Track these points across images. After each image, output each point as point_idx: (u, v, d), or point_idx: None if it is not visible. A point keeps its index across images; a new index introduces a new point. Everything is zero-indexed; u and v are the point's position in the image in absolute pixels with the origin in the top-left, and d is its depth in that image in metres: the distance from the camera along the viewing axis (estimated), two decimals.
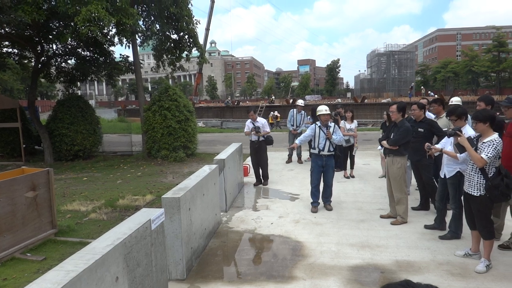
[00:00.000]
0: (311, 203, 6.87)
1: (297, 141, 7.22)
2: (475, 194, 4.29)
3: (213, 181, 5.83)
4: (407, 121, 6.02)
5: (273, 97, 62.29)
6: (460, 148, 4.41)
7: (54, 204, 5.95)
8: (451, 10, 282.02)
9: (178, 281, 4.26)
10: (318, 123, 6.81)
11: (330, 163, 6.76)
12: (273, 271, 4.47)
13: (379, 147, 6.74)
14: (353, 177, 9.30)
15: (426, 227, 5.66)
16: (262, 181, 8.90)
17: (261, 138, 8.69)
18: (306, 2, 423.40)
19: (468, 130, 4.66)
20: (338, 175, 9.20)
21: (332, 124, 6.80)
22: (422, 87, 62.82)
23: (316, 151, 6.75)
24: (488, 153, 4.08)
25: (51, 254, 5.34)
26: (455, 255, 4.68)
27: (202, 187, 5.19)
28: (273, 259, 4.79)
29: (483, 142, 4.18)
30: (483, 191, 4.21)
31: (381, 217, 6.26)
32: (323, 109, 6.79)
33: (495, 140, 4.11)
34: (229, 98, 68.72)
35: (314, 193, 6.82)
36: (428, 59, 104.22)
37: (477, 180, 4.26)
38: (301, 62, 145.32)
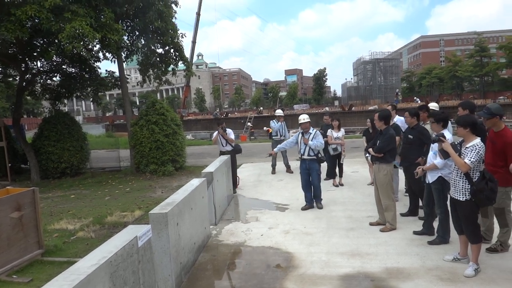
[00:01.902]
0: (305, 202, 7.57)
1: (275, 149, 8.28)
2: (460, 199, 4.33)
3: (201, 195, 5.81)
4: (392, 129, 6.10)
5: (261, 108, 62.54)
6: (444, 153, 4.47)
7: (40, 223, 5.85)
8: (433, 17, 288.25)
9: None
10: (300, 130, 7.49)
11: (313, 166, 7.40)
12: (263, 283, 4.44)
13: (367, 154, 6.81)
14: (342, 185, 9.34)
15: (415, 233, 5.69)
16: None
17: (231, 148, 9.30)
18: (291, 13, 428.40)
19: (447, 135, 4.74)
20: (327, 184, 9.25)
21: (313, 131, 7.40)
22: (397, 90, 63.55)
23: (299, 156, 7.53)
24: (471, 157, 4.13)
25: (38, 275, 5.23)
26: (444, 260, 4.71)
27: (190, 201, 5.16)
28: (263, 272, 4.77)
29: (466, 147, 4.25)
30: (468, 195, 4.25)
31: (371, 224, 6.28)
32: (301, 118, 7.47)
33: (477, 145, 4.17)
34: (217, 110, 68.90)
35: (306, 194, 7.55)
36: (413, 66, 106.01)
37: (462, 185, 4.30)
38: (288, 72, 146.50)
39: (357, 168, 11.50)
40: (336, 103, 77.84)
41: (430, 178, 5.18)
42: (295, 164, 12.03)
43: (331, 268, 4.74)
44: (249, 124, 33.99)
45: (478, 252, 4.36)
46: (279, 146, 8.29)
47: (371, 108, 41.37)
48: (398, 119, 7.53)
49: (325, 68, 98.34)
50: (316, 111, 48.55)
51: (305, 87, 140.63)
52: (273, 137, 11.64)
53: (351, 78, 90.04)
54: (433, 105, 7.54)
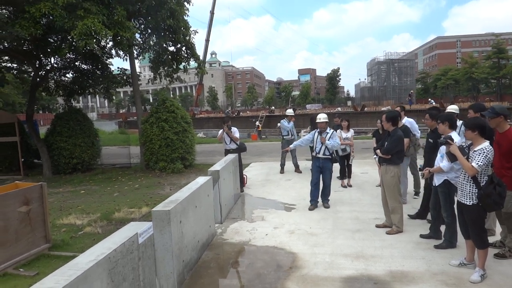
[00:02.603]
0: (310, 201, 7.57)
1: (292, 145, 8.50)
2: (467, 203, 4.26)
3: (206, 193, 5.81)
4: (400, 130, 6.01)
5: (273, 107, 62.46)
6: (451, 156, 4.41)
7: (47, 218, 5.93)
8: (450, 18, 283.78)
9: None
10: (318, 129, 7.58)
11: (326, 165, 7.47)
12: (265, 283, 4.42)
13: (375, 155, 6.72)
14: (350, 186, 9.26)
15: (422, 236, 5.61)
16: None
17: (235, 146, 9.34)
18: (306, 12, 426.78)
19: (455, 137, 4.66)
20: (335, 185, 9.17)
21: (330, 131, 7.52)
22: (411, 91, 62.63)
23: (314, 154, 7.57)
24: (478, 161, 4.06)
25: (44, 269, 5.29)
26: (450, 265, 4.63)
27: (194, 199, 5.16)
28: (266, 271, 4.75)
29: (474, 151, 4.17)
30: (475, 200, 4.18)
31: (377, 226, 6.21)
32: (320, 117, 7.54)
33: (485, 148, 4.10)
34: (229, 109, 68.97)
35: (313, 192, 7.52)
36: (428, 67, 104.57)
37: (470, 189, 4.23)
38: (301, 72, 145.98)
39: (366, 169, 11.40)
40: (349, 103, 77.17)
41: (437, 181, 5.11)
42: (304, 164, 12.00)
43: (334, 269, 4.69)
44: (257, 123, 33.97)
45: (485, 257, 4.26)
46: (295, 143, 8.53)
47: (383, 109, 40.95)
48: (407, 121, 7.41)
49: (338, 68, 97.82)
50: (328, 111, 48.21)
51: (318, 87, 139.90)
52: (284, 137, 11.56)
53: (365, 79, 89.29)
54: (452, 108, 7.23)
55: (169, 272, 4.23)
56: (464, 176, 4.29)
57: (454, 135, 4.73)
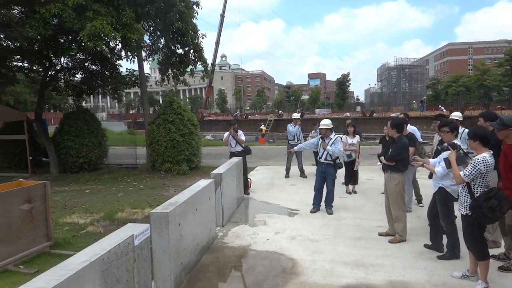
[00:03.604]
0: (312, 204, 7.67)
1: (295, 148, 8.48)
2: (462, 213, 4.27)
3: (208, 196, 5.79)
4: (405, 137, 5.94)
5: (281, 111, 62.42)
6: (448, 163, 4.39)
7: (49, 216, 5.97)
8: (463, 24, 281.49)
9: None
10: (320, 134, 7.66)
11: (329, 171, 7.51)
12: None
13: (379, 162, 6.65)
14: (355, 192, 9.18)
15: (426, 246, 5.50)
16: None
17: (241, 149, 9.37)
18: (317, 17, 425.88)
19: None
20: (340, 191, 9.10)
21: (334, 137, 7.49)
22: (423, 98, 62.05)
23: (318, 158, 7.70)
24: (466, 171, 4.08)
25: (44, 267, 5.30)
26: (452, 276, 4.54)
27: (195, 201, 5.15)
28: (264, 277, 4.70)
29: (472, 160, 4.14)
30: (468, 210, 4.16)
31: (380, 234, 6.12)
32: (322, 124, 7.57)
33: (478, 159, 4.04)
34: (237, 112, 69.05)
35: (316, 196, 7.64)
36: (439, 73, 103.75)
37: (464, 199, 4.22)
38: (311, 76, 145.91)
39: (372, 176, 11.28)
40: (358, 108, 76.78)
41: (433, 188, 5.09)
42: (309, 169, 11.93)
43: (333, 277, 4.63)
44: (261, 126, 34.01)
45: (486, 269, 4.17)
46: (299, 145, 8.56)
47: (393, 115, 40.66)
48: (410, 128, 7.32)
49: (348, 73, 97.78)
50: (337, 116, 48.06)
51: (328, 92, 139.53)
52: (290, 141, 11.51)
53: (375, 84, 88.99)
54: (455, 115, 7.18)
55: (166, 275, 4.21)
56: (463, 186, 4.26)
57: (458, 142, 4.68)
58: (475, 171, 4.03)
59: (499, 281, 4.38)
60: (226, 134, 9.47)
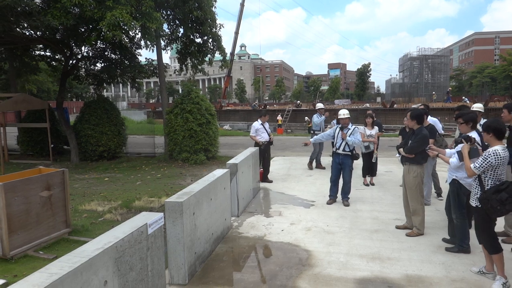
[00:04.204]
0: (329, 195, 7.64)
1: (311, 139, 8.28)
2: (472, 205, 4.24)
3: (223, 186, 5.78)
4: (425, 129, 5.78)
5: (299, 101, 61.92)
6: (461, 155, 4.41)
7: (68, 203, 6.08)
8: (489, 13, 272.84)
9: (179, 285, 4.23)
10: (339, 125, 7.55)
11: (346, 162, 7.40)
12: (276, 280, 4.37)
13: (397, 154, 6.51)
14: (373, 184, 9.05)
15: (444, 240, 5.39)
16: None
17: (268, 139, 9.68)
18: (338, 6, 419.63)
19: (476, 137, 4.53)
20: (357, 183, 9.00)
21: (352, 127, 7.42)
22: (449, 89, 60.43)
23: (334, 149, 7.54)
24: (477, 163, 4.07)
25: (62, 252, 5.40)
26: (471, 271, 4.42)
27: (209, 191, 5.15)
28: (278, 268, 4.68)
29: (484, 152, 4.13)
30: (478, 202, 4.13)
31: (397, 227, 6.02)
32: (341, 113, 7.50)
33: (489, 152, 4.03)
34: (256, 102, 68.86)
35: (332, 188, 7.59)
36: (464, 64, 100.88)
37: (475, 191, 4.23)
38: (331, 66, 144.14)
39: (391, 167, 11.10)
40: (379, 99, 75.46)
41: (448, 179, 5.04)
42: (327, 160, 11.80)
43: (348, 270, 4.57)
44: (278, 117, 33.91)
45: (501, 263, 4.07)
46: (315, 137, 8.43)
47: (413, 106, 39.82)
48: (430, 120, 7.12)
49: (369, 63, 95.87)
50: (357, 107, 47.36)
51: (348, 82, 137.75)
52: (316, 132, 11.23)
53: (396, 75, 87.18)
54: (477, 106, 6.96)
55: (180, 264, 4.24)
56: (474, 178, 4.23)
57: (475, 134, 4.56)
58: (486, 164, 4.00)
59: None
60: (259, 125, 9.64)
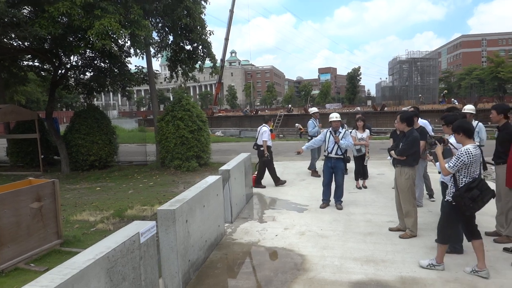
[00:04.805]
0: (322, 200, 7.61)
1: (304, 147, 8.04)
2: (445, 199, 4.51)
3: (215, 192, 5.76)
4: (416, 131, 5.83)
5: (290, 106, 62.12)
6: (435, 157, 4.59)
7: (59, 214, 6.01)
8: (476, 16, 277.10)
9: None
10: (330, 128, 7.49)
11: (338, 165, 7.40)
12: (271, 285, 4.35)
13: (389, 157, 6.54)
14: (365, 187, 9.07)
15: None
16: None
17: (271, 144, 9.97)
18: (327, 11, 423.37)
19: (451, 139, 4.74)
20: (350, 186, 9.03)
21: (343, 130, 7.47)
22: (444, 92, 61.16)
23: (326, 153, 7.47)
24: (451, 163, 4.26)
25: (54, 264, 5.30)
26: (464, 272, 4.44)
27: (202, 198, 5.12)
28: (272, 273, 4.66)
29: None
30: (452, 199, 4.33)
31: (390, 230, 6.04)
32: (333, 116, 7.47)
33: (461, 151, 4.22)
34: (247, 107, 68.91)
35: (325, 192, 7.56)
36: (452, 66, 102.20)
37: (450, 188, 4.42)
38: (322, 70, 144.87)
39: (383, 170, 11.15)
40: (369, 102, 75.97)
41: (439, 180, 5.22)
42: (320, 164, 11.81)
43: (342, 273, 4.57)
44: (298, 125, 34.15)
45: (442, 252, 4.52)
46: (307, 144, 8.33)
47: (404, 109, 40.13)
48: (420, 122, 7.18)
49: (359, 67, 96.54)
50: (348, 110, 47.64)
51: (339, 86, 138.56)
52: (313, 137, 11.02)
53: (386, 78, 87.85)
54: (468, 108, 6.97)
55: (174, 272, 4.20)
56: (450, 176, 4.43)
57: (452, 139, 4.73)
58: (459, 163, 4.19)
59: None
60: (268, 130, 9.76)
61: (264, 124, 9.85)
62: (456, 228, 4.53)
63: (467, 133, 4.30)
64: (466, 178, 4.23)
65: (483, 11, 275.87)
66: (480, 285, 4.12)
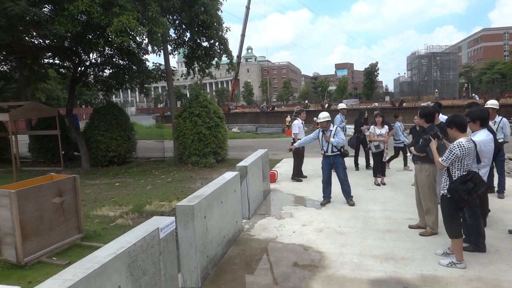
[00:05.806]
0: (323, 196, 7.67)
1: (296, 144, 8.44)
2: (441, 193, 4.53)
3: (233, 188, 5.77)
4: (436, 127, 5.70)
5: (307, 101, 61.84)
6: (430, 151, 4.69)
7: (80, 209, 6.11)
8: (498, 8, 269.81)
9: None
10: (320, 128, 7.60)
11: (337, 161, 7.47)
12: (289, 282, 4.33)
13: (409, 153, 6.43)
14: (384, 184, 8.95)
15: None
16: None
17: None
18: (344, 6, 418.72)
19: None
20: (368, 182, 8.94)
21: (333, 128, 7.49)
22: (466, 85, 59.83)
23: (322, 153, 7.60)
24: (444, 156, 4.37)
25: (75, 258, 5.43)
26: (487, 271, 4.34)
27: (220, 194, 5.14)
28: (290, 270, 4.65)
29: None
30: (446, 191, 4.41)
31: (410, 227, 5.95)
32: (321, 117, 7.55)
33: (453, 145, 4.30)
34: (264, 104, 68.88)
35: (325, 189, 7.64)
36: (473, 60, 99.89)
37: (444, 181, 4.49)
38: (338, 66, 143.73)
39: (402, 166, 10.97)
40: (387, 98, 74.99)
41: None
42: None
43: (362, 271, 4.52)
44: (287, 118, 33.99)
45: (458, 247, 4.46)
46: (299, 141, 8.44)
47: (423, 104, 39.42)
48: (441, 117, 7.03)
49: (377, 62, 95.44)
50: (365, 106, 47.12)
51: (356, 82, 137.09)
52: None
53: (404, 73, 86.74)
54: (491, 103, 6.77)
55: (192, 267, 4.23)
56: (444, 170, 4.49)
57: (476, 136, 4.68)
58: (452, 156, 4.28)
59: None
60: (300, 123, 9.95)
61: (296, 118, 10.00)
62: (459, 219, 4.55)
63: (460, 127, 4.40)
64: (460, 171, 4.31)
65: (505, 3, 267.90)
66: (503, 284, 4.02)
